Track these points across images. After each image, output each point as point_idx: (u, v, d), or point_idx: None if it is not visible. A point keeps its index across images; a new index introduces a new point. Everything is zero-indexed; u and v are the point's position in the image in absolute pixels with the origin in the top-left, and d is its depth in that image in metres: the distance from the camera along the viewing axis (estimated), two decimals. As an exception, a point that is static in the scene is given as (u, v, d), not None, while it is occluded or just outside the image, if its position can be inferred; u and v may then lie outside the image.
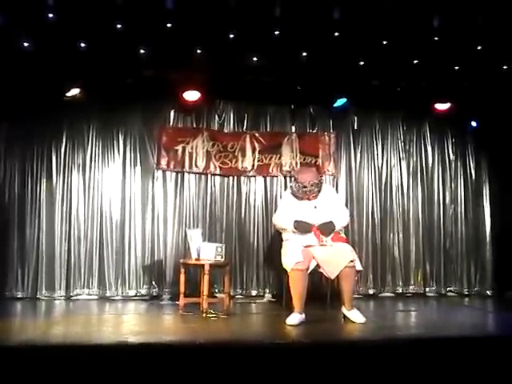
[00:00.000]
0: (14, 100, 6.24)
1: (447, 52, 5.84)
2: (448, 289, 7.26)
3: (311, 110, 7.18)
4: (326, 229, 5.10)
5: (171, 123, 6.91)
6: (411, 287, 7.14)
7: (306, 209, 5.21)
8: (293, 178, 5.62)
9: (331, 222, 5.13)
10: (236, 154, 6.95)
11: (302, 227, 5.10)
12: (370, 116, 7.31)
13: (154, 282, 6.65)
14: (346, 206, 5.97)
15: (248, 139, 7.00)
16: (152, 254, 6.71)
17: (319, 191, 5.30)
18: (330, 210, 5.22)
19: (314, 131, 7.19)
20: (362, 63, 6.09)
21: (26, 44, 5.44)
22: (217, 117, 7.03)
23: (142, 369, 3.55)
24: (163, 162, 6.80)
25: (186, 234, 6.22)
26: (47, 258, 6.46)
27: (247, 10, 5.14)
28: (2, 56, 5.51)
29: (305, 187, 5.23)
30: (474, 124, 7.32)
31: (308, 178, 5.28)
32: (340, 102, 6.78)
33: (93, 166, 6.69)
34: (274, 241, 6.50)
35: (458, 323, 5.26)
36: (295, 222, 5.11)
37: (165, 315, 5.64)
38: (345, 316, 5.02)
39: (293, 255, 4.90)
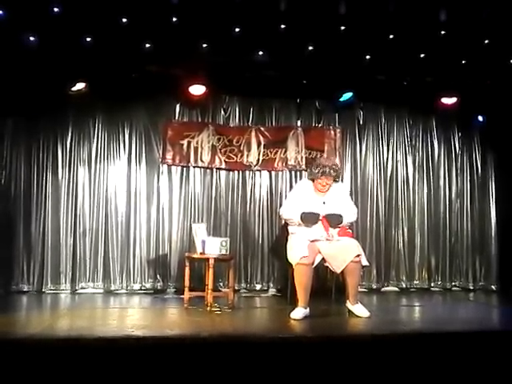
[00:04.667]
0: (19, 94, 6.24)
1: (454, 46, 5.80)
2: (453, 284, 7.25)
3: (317, 104, 7.15)
4: (333, 220, 5.10)
5: (177, 117, 6.91)
6: (415, 282, 7.14)
7: (314, 203, 5.19)
8: (312, 163, 5.57)
9: (339, 214, 5.13)
10: (241, 148, 6.94)
11: (308, 219, 5.08)
12: (376, 110, 7.28)
13: (158, 276, 6.67)
14: (351, 199, 5.96)
15: (253, 133, 6.99)
16: (157, 248, 6.72)
17: (334, 180, 5.26)
18: (338, 206, 5.21)
19: (320, 125, 7.17)
20: (367, 57, 6.06)
21: (31, 38, 5.44)
22: (222, 111, 7.01)
23: (146, 362, 3.57)
24: (168, 156, 6.80)
25: (190, 228, 6.25)
26: (53, 251, 6.49)
27: (252, 5, 5.12)
28: (8, 50, 5.51)
29: (325, 167, 5.20)
30: (480, 119, 7.29)
31: (331, 162, 5.36)
32: (346, 96, 6.76)
33: (98, 161, 6.69)
34: (279, 235, 6.51)
35: (463, 318, 5.27)
36: (302, 213, 5.10)
37: (169, 309, 5.66)
38: (349, 310, 5.03)
39: (298, 249, 4.90)
